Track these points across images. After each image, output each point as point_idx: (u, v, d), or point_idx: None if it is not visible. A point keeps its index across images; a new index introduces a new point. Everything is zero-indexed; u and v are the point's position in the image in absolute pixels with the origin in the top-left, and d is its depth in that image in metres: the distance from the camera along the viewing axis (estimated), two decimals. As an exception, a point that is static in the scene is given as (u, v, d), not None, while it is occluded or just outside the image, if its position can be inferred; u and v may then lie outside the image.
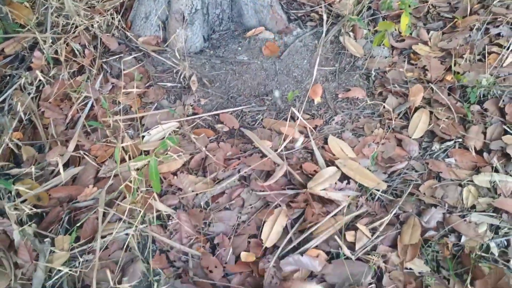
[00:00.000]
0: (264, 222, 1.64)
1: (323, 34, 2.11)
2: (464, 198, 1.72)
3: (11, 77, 2.13)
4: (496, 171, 1.79)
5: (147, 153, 1.82)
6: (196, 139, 1.87)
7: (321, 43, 2.05)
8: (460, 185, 1.76)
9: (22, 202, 1.60)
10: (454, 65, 2.20)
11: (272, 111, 2.11)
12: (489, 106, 2.03)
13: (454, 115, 1.99)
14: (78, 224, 1.60)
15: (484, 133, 1.94)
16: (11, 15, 2.22)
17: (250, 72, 2.22)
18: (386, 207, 1.72)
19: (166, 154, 1.78)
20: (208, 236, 1.64)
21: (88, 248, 1.55)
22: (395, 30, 2.46)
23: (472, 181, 1.76)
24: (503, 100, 2.01)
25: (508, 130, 1.92)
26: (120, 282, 1.48)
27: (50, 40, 2.13)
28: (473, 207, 1.71)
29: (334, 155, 1.86)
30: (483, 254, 1.57)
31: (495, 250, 1.58)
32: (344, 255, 1.56)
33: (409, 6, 2.11)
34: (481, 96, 2.07)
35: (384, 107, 2.08)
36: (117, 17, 2.33)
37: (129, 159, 1.64)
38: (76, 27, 2.24)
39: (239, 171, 1.79)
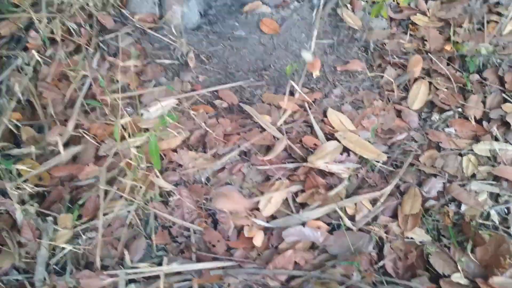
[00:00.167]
0: (263, 193, 1.64)
1: (320, 7, 2.08)
2: (464, 167, 1.73)
3: (8, 58, 2.11)
4: (496, 139, 1.80)
5: (146, 130, 1.81)
6: (195, 116, 1.87)
7: (319, 16, 2.03)
8: (460, 154, 1.77)
9: (24, 182, 1.61)
10: (453, 34, 2.18)
11: (271, 86, 2.10)
12: (489, 75, 2.02)
13: (454, 85, 1.98)
14: (80, 202, 1.61)
15: (484, 102, 1.94)
16: (4, -5, 2.20)
17: (248, 47, 2.20)
18: (386, 178, 1.72)
19: (166, 131, 1.77)
20: (209, 211, 1.65)
21: (90, 226, 1.56)
22: (393, 1, 2.43)
23: (472, 150, 1.77)
24: (503, 69, 2.00)
25: (508, 98, 1.91)
26: (123, 259, 1.50)
27: (46, 20, 2.10)
28: (473, 176, 1.71)
29: (333, 128, 1.86)
30: (483, 222, 1.58)
31: (495, 218, 1.59)
32: (345, 226, 1.57)
33: (407, -25, 2.08)
34: (481, 65, 2.06)
35: (383, 78, 2.06)
36: (112, -6, 2.31)
37: (129, 136, 1.64)
38: (71, 5, 2.21)
39: (239, 146, 1.79)
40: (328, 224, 1.59)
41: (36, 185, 1.64)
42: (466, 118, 1.90)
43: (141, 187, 1.58)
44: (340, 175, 1.70)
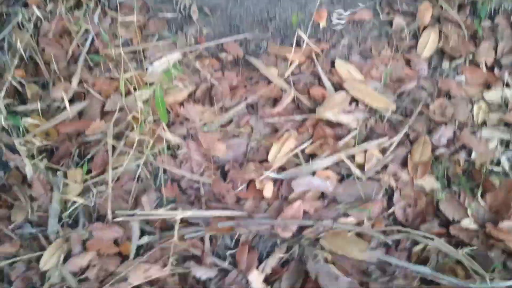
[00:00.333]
0: (273, 144, 1.64)
1: (326, -46, 2.02)
2: (474, 114, 1.70)
3: (8, 15, 2.07)
4: (507, 86, 1.76)
5: (151, 85, 1.79)
6: (201, 68, 1.84)
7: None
8: (470, 101, 1.74)
9: (32, 137, 1.61)
10: (464, -20, 2.11)
11: (276, 38, 2.05)
12: (500, 20, 1.96)
13: (464, 32, 1.93)
14: (88, 157, 1.61)
15: (495, 49, 1.89)
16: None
17: (251, -2, 2.15)
18: (395, 127, 1.70)
19: (171, 84, 1.75)
20: (218, 163, 1.65)
21: (100, 180, 1.56)
22: None
23: (483, 97, 1.74)
24: (515, 14, 1.95)
25: (520, 44, 1.87)
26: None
27: (45, -26, 2.06)
28: (484, 123, 1.69)
29: (341, 78, 1.83)
30: (494, 168, 1.57)
31: (505, 164, 1.58)
32: (355, 175, 1.56)
33: None
34: (492, 11, 2.00)
35: (392, 27, 2.02)
36: None
37: (134, 90, 1.63)
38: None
39: (246, 99, 1.77)
40: (338, 174, 1.59)
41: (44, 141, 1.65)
42: (477, 65, 1.86)
43: (149, 141, 1.57)
44: (348, 126, 1.69)
